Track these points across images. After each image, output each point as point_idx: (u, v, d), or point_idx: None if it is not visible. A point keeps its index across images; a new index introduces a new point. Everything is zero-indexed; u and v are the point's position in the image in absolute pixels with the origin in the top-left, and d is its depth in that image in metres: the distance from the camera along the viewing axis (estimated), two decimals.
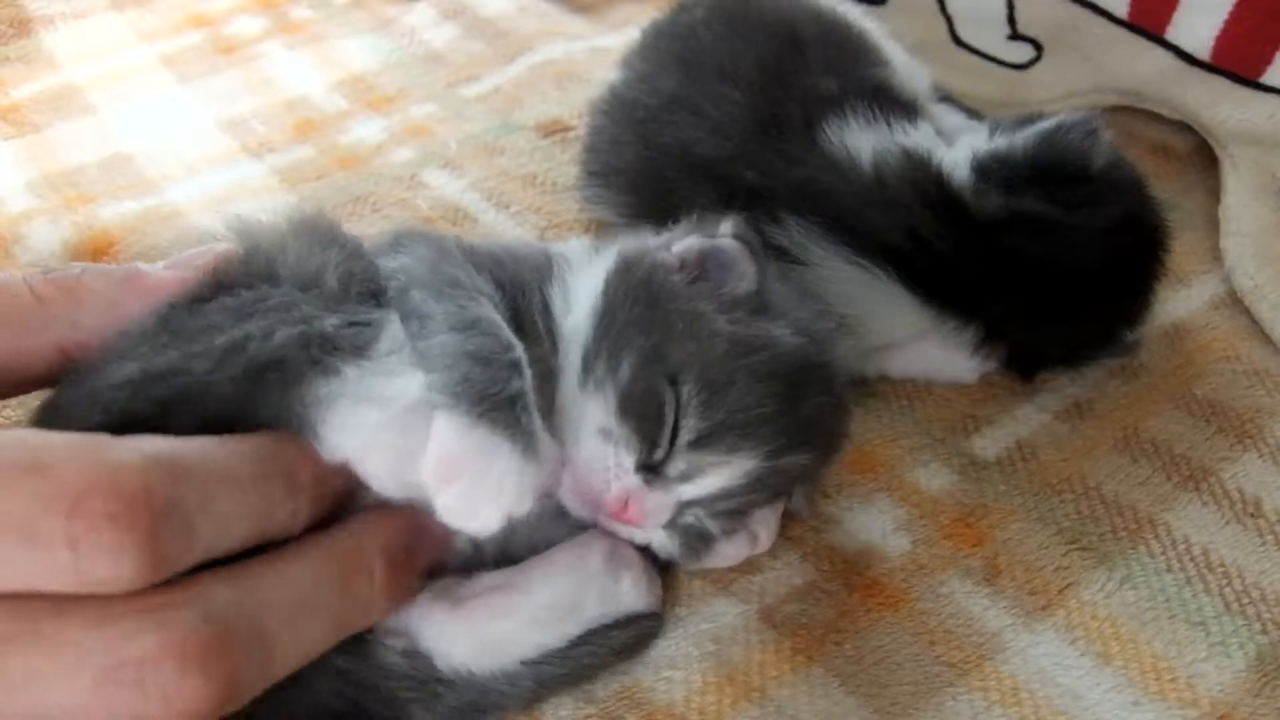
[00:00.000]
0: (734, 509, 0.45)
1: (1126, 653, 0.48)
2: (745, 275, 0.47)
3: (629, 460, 0.43)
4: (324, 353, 0.40)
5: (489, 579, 0.44)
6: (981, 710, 0.45)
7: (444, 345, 0.41)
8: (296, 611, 0.37)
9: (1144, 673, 0.47)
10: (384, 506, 0.41)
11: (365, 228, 0.70)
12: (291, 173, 0.76)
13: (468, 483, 0.39)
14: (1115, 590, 0.50)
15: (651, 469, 0.43)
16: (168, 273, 0.43)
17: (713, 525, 0.45)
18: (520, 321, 0.45)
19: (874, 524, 0.53)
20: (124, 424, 0.36)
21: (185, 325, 0.40)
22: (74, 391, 0.41)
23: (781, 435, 0.44)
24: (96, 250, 0.68)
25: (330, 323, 0.40)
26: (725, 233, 0.48)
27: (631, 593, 0.45)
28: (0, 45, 0.89)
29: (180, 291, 0.42)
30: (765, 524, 0.49)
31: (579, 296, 0.47)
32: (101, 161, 0.77)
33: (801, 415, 0.45)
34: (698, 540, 0.46)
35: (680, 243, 0.48)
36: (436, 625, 0.42)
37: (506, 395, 0.40)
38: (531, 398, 0.41)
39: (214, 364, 0.39)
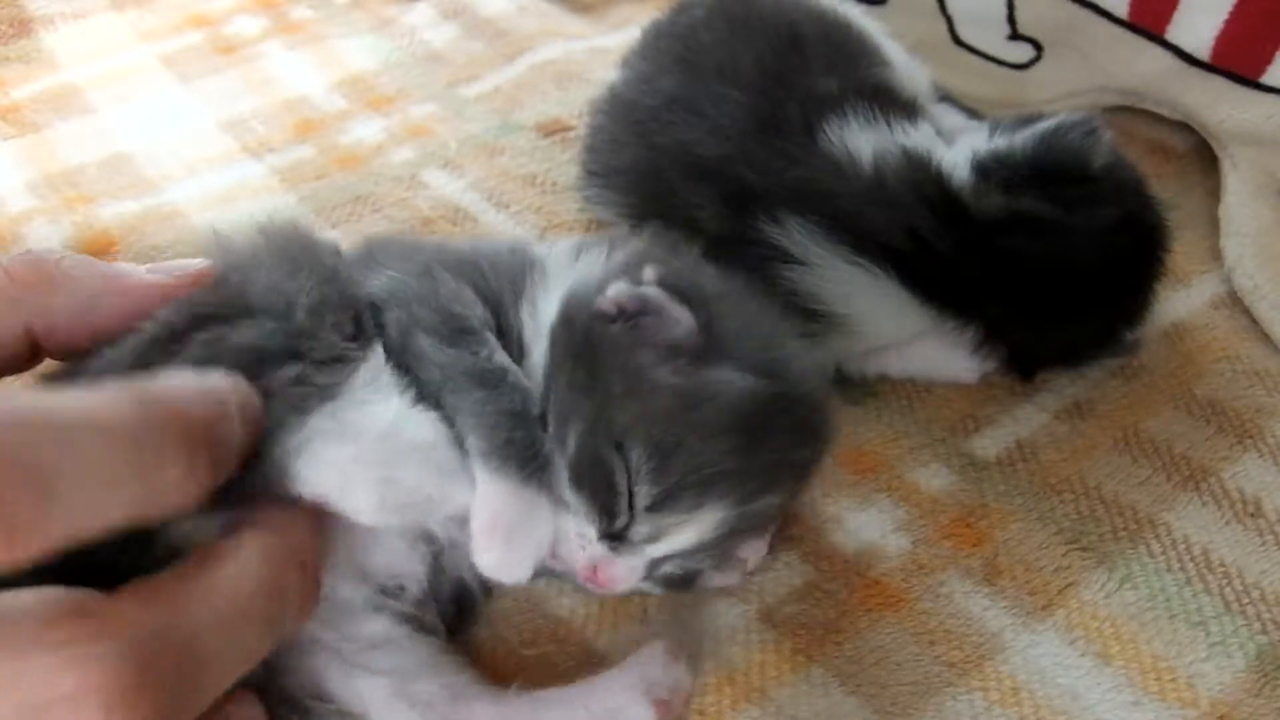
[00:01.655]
0: (707, 555, 0.45)
1: (1126, 653, 0.48)
2: (680, 321, 0.43)
3: (590, 531, 0.43)
4: (293, 402, 0.39)
5: (476, 706, 0.42)
6: (981, 710, 0.45)
7: (479, 404, 0.41)
8: (227, 627, 0.34)
9: (1144, 673, 0.47)
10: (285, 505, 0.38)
11: (365, 228, 0.70)
12: (291, 173, 0.76)
13: (516, 541, 0.41)
14: (1115, 590, 0.50)
15: (615, 536, 0.43)
16: (147, 276, 0.42)
17: (694, 566, 0.45)
18: (500, 324, 0.45)
19: (874, 524, 0.53)
20: None
21: (155, 362, 0.40)
22: None
23: (747, 482, 0.42)
24: (97, 250, 0.68)
25: (291, 373, 0.39)
26: (649, 279, 0.43)
27: None
28: (0, 45, 0.89)
29: (156, 297, 0.42)
30: (754, 549, 0.48)
31: (543, 321, 0.46)
32: (101, 161, 0.77)
33: (765, 459, 0.43)
34: (682, 583, 0.46)
35: (613, 288, 0.44)
36: None
37: (545, 456, 0.42)
38: (547, 449, 0.42)
39: None
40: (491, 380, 0.42)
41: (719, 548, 0.44)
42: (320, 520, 0.39)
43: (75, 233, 0.69)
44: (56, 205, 0.72)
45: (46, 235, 0.69)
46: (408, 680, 0.41)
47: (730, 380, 0.42)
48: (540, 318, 0.46)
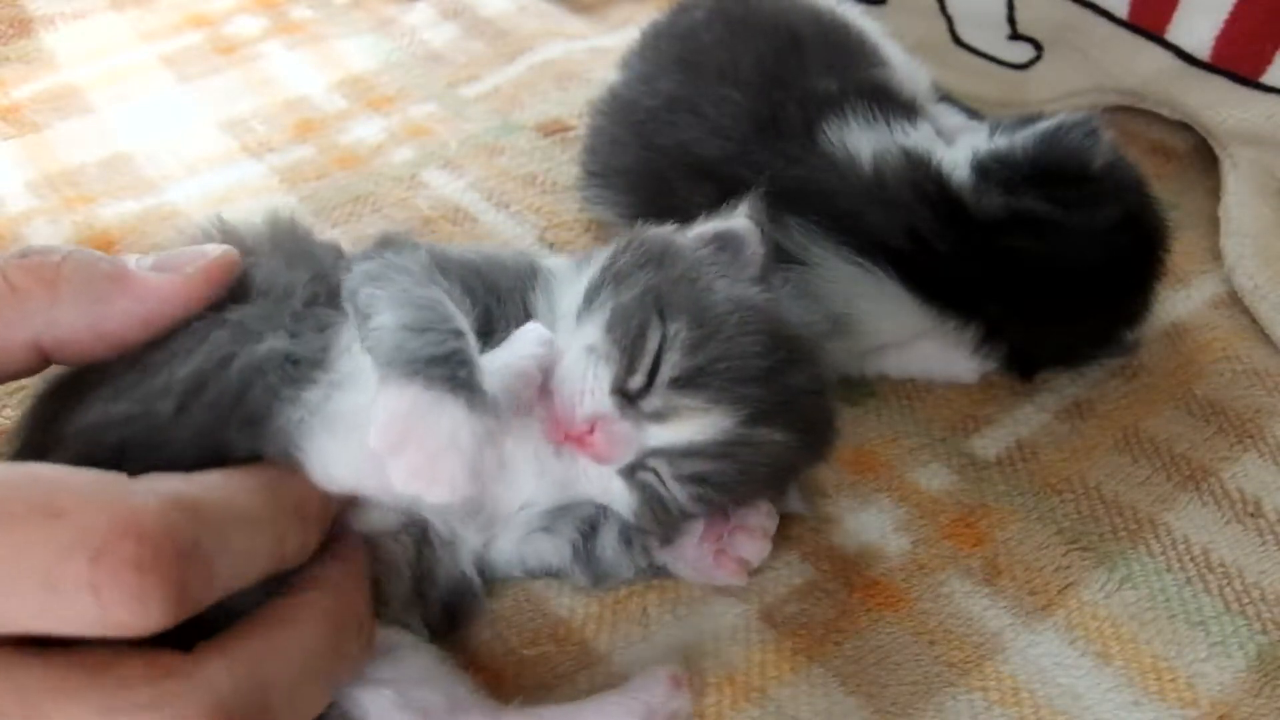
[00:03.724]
0: (700, 477, 0.44)
1: (1126, 653, 0.48)
2: (753, 258, 0.48)
3: (606, 377, 0.42)
4: (284, 377, 0.39)
5: (478, 714, 0.42)
6: (981, 710, 0.45)
7: (381, 323, 0.40)
8: (295, 681, 0.36)
9: (1144, 673, 0.47)
10: (346, 547, 0.41)
11: (365, 228, 0.70)
12: (291, 173, 0.76)
13: (418, 442, 0.37)
14: (1115, 590, 0.50)
15: (627, 398, 0.43)
16: (157, 277, 0.40)
17: (677, 491, 0.44)
18: (491, 323, 0.44)
19: (874, 524, 0.53)
20: (84, 464, 0.35)
21: (152, 361, 0.40)
22: (46, 429, 0.41)
23: (760, 401, 0.43)
24: (97, 250, 0.68)
25: (276, 342, 0.40)
26: (742, 215, 0.49)
27: None
28: (0, 45, 0.89)
29: (171, 299, 0.40)
30: (756, 550, 0.48)
31: (566, 307, 0.46)
32: (101, 161, 0.77)
33: (783, 387, 0.44)
34: (659, 506, 0.44)
35: (695, 229, 0.49)
36: None
37: (441, 353, 0.39)
38: (475, 359, 0.40)
39: (177, 403, 0.39)
40: (401, 303, 0.41)
41: (710, 469, 0.43)
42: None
43: (75, 233, 0.69)
44: (56, 205, 0.72)
45: (46, 235, 0.69)
46: (409, 689, 0.41)
47: (774, 299, 0.46)
48: (557, 304, 0.46)
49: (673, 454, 0.43)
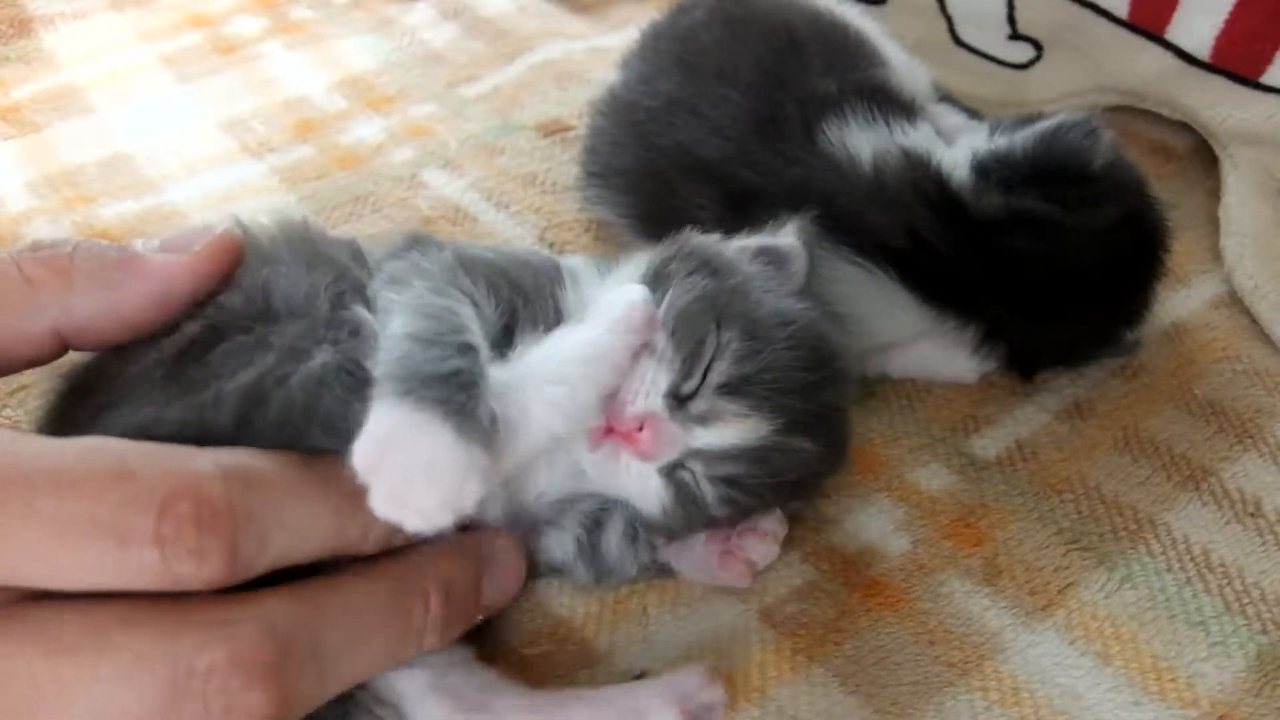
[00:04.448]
0: (732, 480, 0.45)
1: (1126, 653, 0.48)
2: (797, 275, 0.50)
3: (664, 380, 0.44)
4: (347, 386, 0.39)
5: (506, 698, 0.42)
6: (981, 710, 0.45)
7: (391, 331, 0.40)
8: (354, 633, 0.38)
9: (1144, 673, 0.47)
10: (449, 540, 0.41)
11: (365, 228, 0.70)
12: (291, 173, 0.76)
13: (395, 467, 0.36)
14: (1115, 590, 0.50)
15: (679, 399, 0.44)
16: (164, 256, 0.41)
17: (709, 492, 0.45)
18: (516, 324, 0.44)
19: (874, 524, 0.53)
20: None
21: (192, 377, 0.40)
22: (77, 427, 0.40)
23: (797, 412, 0.45)
24: None
25: (325, 356, 0.40)
26: (789, 233, 0.51)
27: None
28: (0, 45, 0.89)
29: (180, 276, 0.41)
30: (763, 552, 0.49)
31: (596, 302, 0.46)
32: (101, 161, 0.77)
33: (818, 401, 0.46)
34: (690, 504, 0.45)
35: (740, 241, 0.51)
36: None
37: (441, 372, 0.38)
38: (480, 378, 0.39)
39: (235, 416, 0.39)
40: (414, 310, 0.40)
41: (744, 472, 0.45)
42: (483, 555, 0.43)
43: (75, 233, 0.69)
44: (56, 205, 0.72)
45: (46, 235, 0.69)
46: (443, 673, 0.41)
47: (814, 315, 0.49)
48: (588, 303, 0.46)
49: (710, 456, 0.44)
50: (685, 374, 0.44)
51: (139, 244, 0.42)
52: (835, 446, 0.49)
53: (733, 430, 0.44)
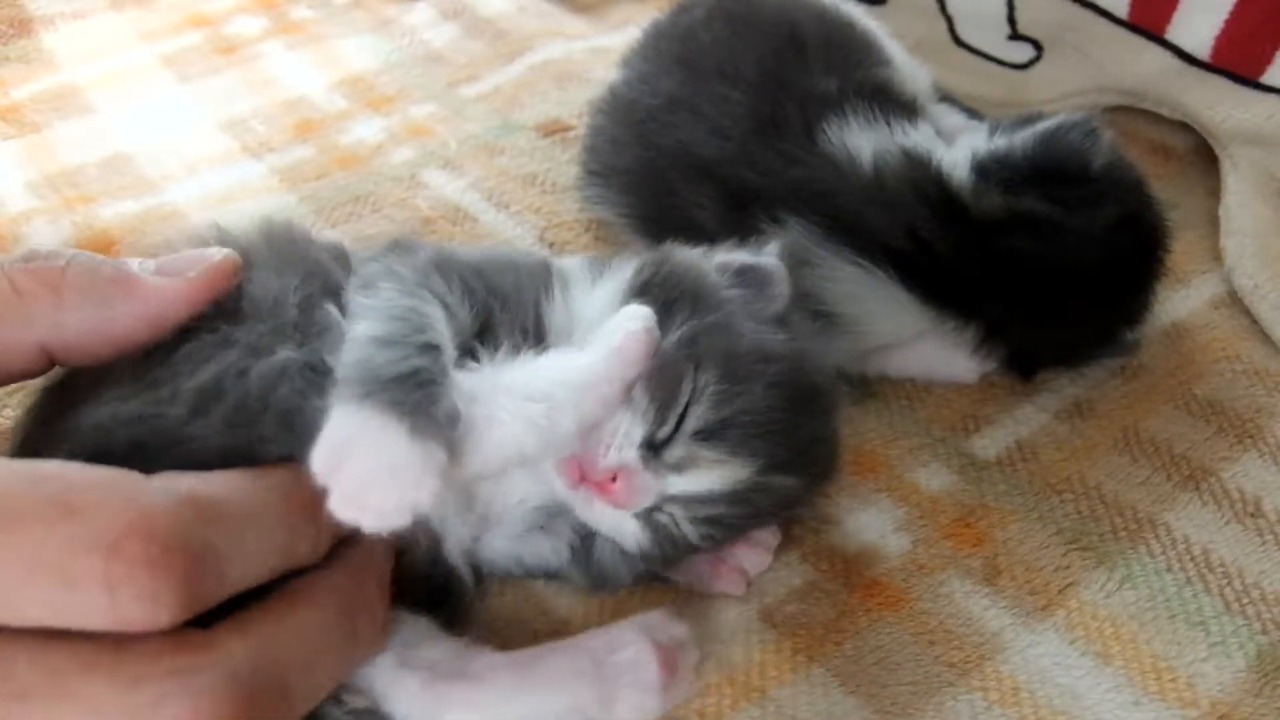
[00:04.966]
0: (713, 519, 0.44)
1: (1126, 653, 0.48)
2: (779, 297, 0.48)
3: (638, 432, 0.42)
4: (308, 383, 0.39)
5: (481, 660, 0.42)
6: (981, 710, 0.45)
7: (354, 334, 0.40)
8: (310, 661, 0.37)
9: (1144, 673, 0.47)
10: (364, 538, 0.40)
11: (365, 228, 0.70)
12: (291, 173, 0.76)
13: (353, 469, 0.36)
14: (1115, 590, 0.50)
15: (653, 448, 0.43)
16: (160, 281, 0.41)
17: (689, 531, 0.44)
18: (494, 327, 0.44)
19: (874, 524, 0.53)
20: (96, 460, 0.35)
21: (156, 375, 0.40)
22: (50, 425, 0.41)
23: (778, 452, 0.44)
24: (97, 250, 0.67)
25: (290, 353, 0.40)
26: (770, 253, 0.49)
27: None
28: (0, 45, 0.89)
29: (174, 301, 0.40)
30: (756, 560, 0.49)
31: (583, 312, 0.46)
32: (101, 161, 0.77)
33: (800, 437, 0.45)
34: (669, 543, 0.44)
35: (722, 256, 0.49)
36: (409, 697, 0.40)
37: (400, 373, 0.38)
38: (442, 377, 0.39)
39: (190, 408, 0.39)
40: (379, 312, 0.40)
41: (724, 513, 0.44)
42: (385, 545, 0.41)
43: (75, 233, 0.69)
44: (56, 205, 0.72)
45: (46, 235, 0.69)
46: (408, 651, 0.41)
47: (798, 348, 0.46)
48: (575, 308, 0.46)
49: (688, 500, 0.43)
50: (660, 421, 0.43)
51: (135, 263, 0.41)
52: (821, 475, 0.48)
53: (710, 476, 0.43)
